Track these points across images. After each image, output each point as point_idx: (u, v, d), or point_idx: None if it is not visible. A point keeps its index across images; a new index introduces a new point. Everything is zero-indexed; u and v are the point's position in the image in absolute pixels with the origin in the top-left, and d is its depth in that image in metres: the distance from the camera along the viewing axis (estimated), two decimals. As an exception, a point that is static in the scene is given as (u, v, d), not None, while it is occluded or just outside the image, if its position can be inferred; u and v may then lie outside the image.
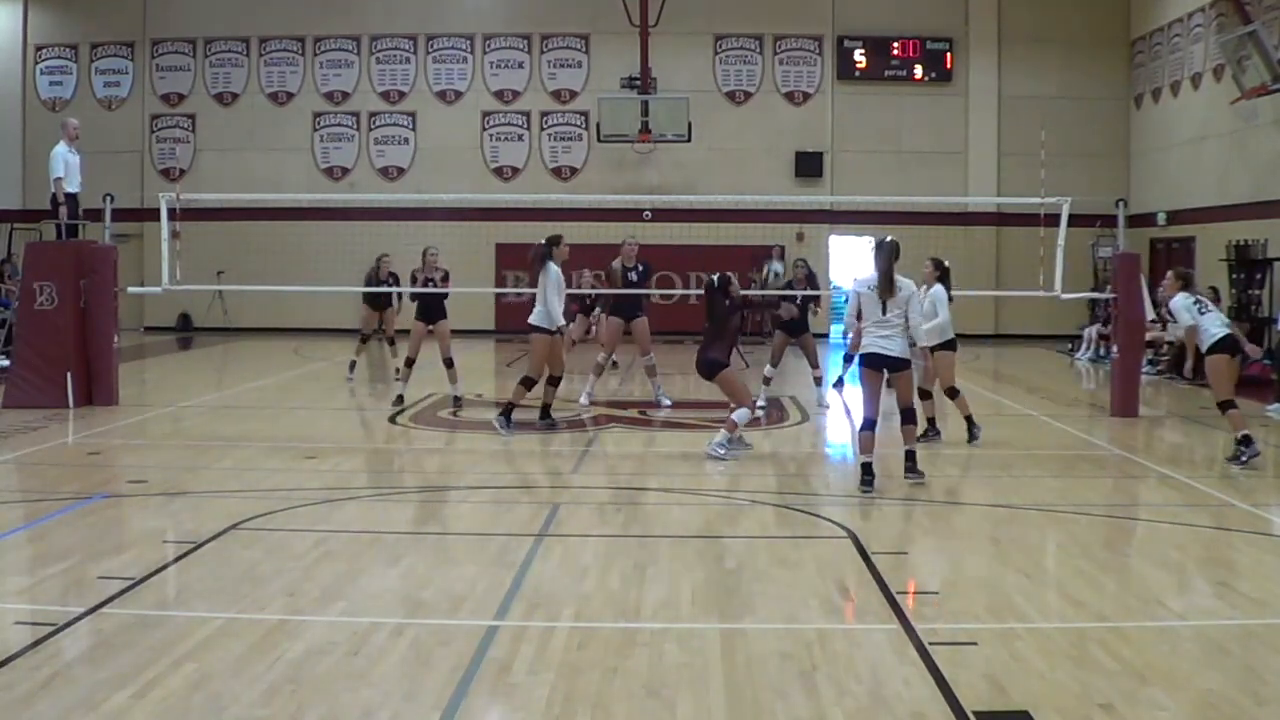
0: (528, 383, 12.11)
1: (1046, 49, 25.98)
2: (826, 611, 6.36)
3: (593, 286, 16.97)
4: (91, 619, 5.98)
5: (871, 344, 9.63)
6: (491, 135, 26.92)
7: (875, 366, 9.62)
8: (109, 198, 14.84)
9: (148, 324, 26.51)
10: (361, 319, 17.58)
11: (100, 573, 6.81)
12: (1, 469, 10.31)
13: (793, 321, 14.10)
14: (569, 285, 12.94)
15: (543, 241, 12.25)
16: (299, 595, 6.50)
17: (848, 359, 11.23)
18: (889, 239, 9.81)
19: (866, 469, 9.46)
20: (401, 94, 27.01)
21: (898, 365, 9.58)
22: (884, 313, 9.55)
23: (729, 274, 11.31)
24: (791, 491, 9.66)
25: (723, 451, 10.79)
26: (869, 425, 9.55)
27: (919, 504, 9.28)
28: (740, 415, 10.92)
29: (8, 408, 13.40)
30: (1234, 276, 19.92)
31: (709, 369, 11.07)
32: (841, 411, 14.31)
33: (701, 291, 11.45)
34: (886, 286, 9.53)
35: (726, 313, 11.07)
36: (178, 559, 7.22)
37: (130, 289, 16.78)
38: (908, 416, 9.77)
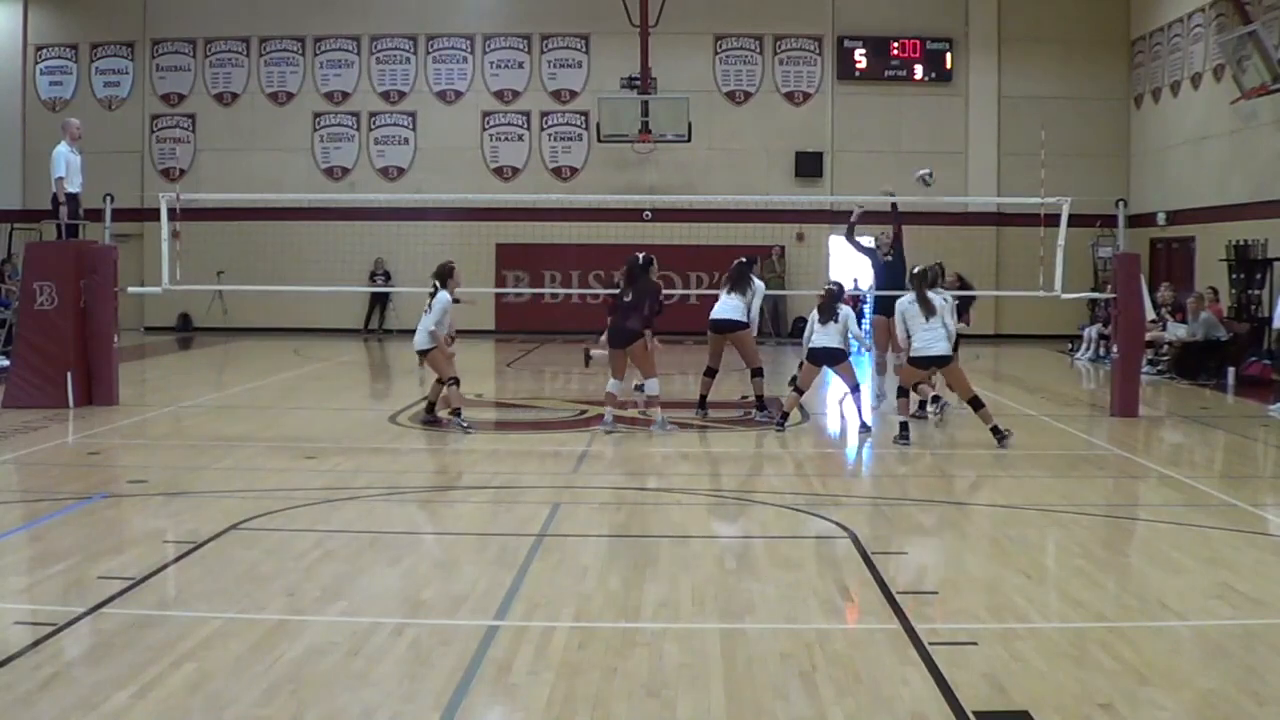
0: (763, 373, 13.47)
1: (1046, 49, 25.98)
2: (826, 611, 6.35)
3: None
4: (91, 619, 5.98)
5: (922, 347, 11.53)
6: (491, 135, 26.92)
7: (925, 366, 11.66)
8: (109, 198, 14.84)
9: (148, 324, 26.51)
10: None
11: (100, 573, 6.81)
12: (1, 469, 10.30)
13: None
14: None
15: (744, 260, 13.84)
16: (299, 595, 6.50)
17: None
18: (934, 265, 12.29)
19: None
20: (401, 94, 27.01)
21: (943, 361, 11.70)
22: (927, 320, 11.50)
23: (652, 256, 12.79)
24: (791, 491, 9.66)
25: (670, 428, 12.21)
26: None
27: (919, 504, 9.30)
28: (651, 385, 12.25)
29: (8, 408, 13.39)
30: (1234, 276, 19.90)
31: (627, 337, 12.20)
32: (841, 415, 14.34)
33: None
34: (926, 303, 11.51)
35: (647, 290, 12.34)
36: (178, 559, 7.22)
37: (130, 289, 16.79)
38: (974, 404, 11.64)
